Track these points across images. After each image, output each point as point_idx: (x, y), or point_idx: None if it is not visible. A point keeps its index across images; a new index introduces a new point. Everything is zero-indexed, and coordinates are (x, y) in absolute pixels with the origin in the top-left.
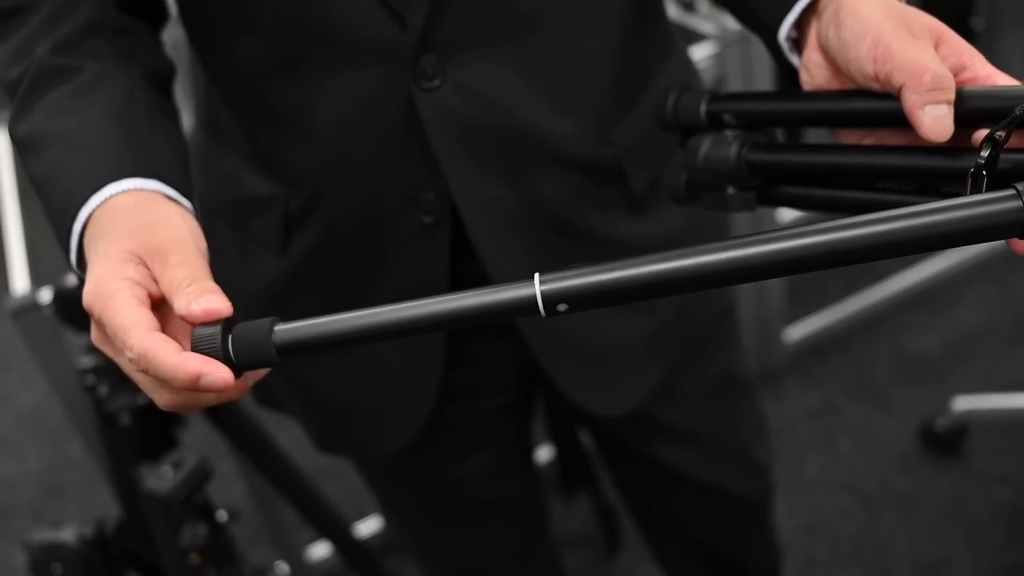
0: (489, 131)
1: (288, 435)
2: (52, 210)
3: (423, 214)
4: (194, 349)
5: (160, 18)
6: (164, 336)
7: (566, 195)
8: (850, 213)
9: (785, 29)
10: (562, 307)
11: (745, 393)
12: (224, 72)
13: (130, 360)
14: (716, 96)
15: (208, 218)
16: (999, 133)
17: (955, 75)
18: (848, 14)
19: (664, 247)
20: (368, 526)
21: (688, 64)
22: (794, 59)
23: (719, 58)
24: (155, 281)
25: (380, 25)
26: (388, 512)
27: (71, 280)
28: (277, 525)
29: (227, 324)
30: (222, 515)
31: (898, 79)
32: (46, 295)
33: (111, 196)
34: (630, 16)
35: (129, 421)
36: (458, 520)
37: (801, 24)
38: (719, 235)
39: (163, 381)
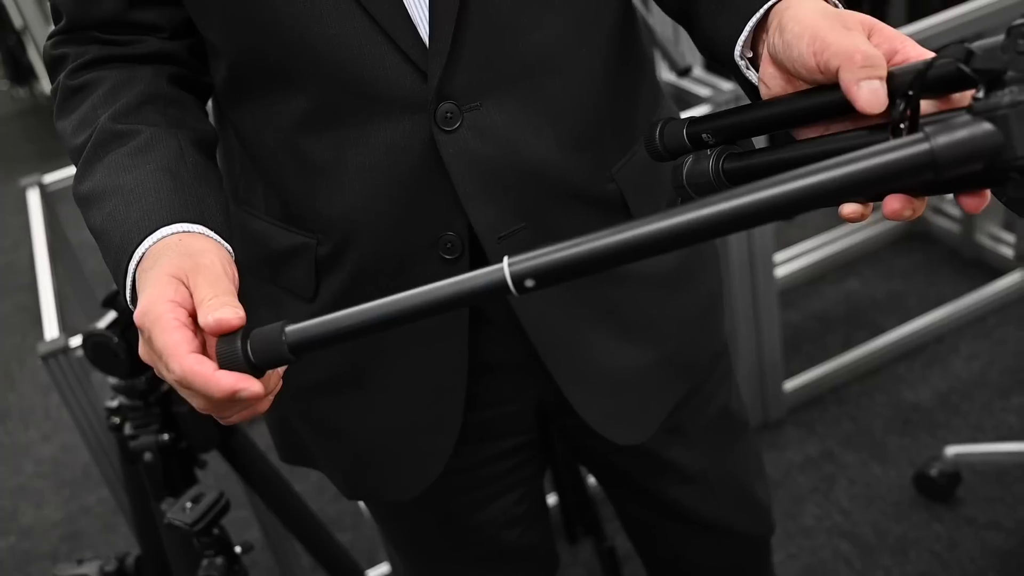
0: (505, 169)
1: (302, 485)
2: (110, 255)
3: (444, 252)
4: (220, 365)
5: (206, 92)
6: (200, 357)
7: (576, 226)
8: (817, 207)
9: (738, 47)
10: (529, 283)
11: (743, 432)
12: (264, 130)
13: (174, 379)
14: (694, 120)
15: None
16: (910, 90)
17: (889, 59)
18: (788, 20)
19: (667, 273)
20: (377, 572)
21: (675, 112)
22: (751, 75)
23: None
24: (191, 299)
25: (405, 79)
26: (406, 559)
27: (100, 325)
28: (289, 569)
29: (245, 333)
30: (238, 549)
31: (834, 63)
32: (75, 341)
33: (161, 238)
34: (624, 66)
35: (152, 459)
36: (481, 565)
37: (755, 44)
38: (711, 263)
39: (201, 396)
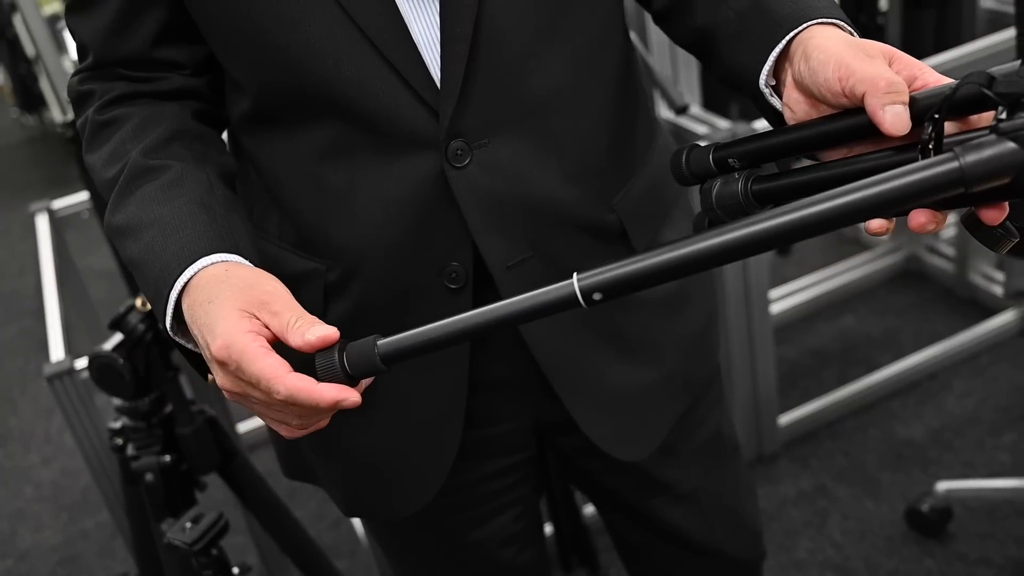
0: (513, 202)
1: (301, 512)
2: (149, 285)
3: (449, 281)
4: (320, 377)
5: (223, 125)
6: (300, 375)
7: (580, 255)
8: (845, 224)
9: (764, 76)
10: (597, 295)
11: (735, 456)
12: (280, 160)
13: (278, 400)
14: (719, 146)
15: None
16: (936, 113)
17: (909, 85)
18: (814, 48)
19: (668, 295)
20: None
21: (671, 145)
22: (775, 102)
23: None
24: (266, 327)
25: (418, 117)
26: None
27: (106, 346)
28: None
29: (340, 347)
30: (236, 570)
31: (860, 89)
32: (80, 363)
33: (202, 268)
34: (623, 102)
35: (153, 479)
36: None
37: (778, 73)
38: (707, 286)
39: (299, 410)
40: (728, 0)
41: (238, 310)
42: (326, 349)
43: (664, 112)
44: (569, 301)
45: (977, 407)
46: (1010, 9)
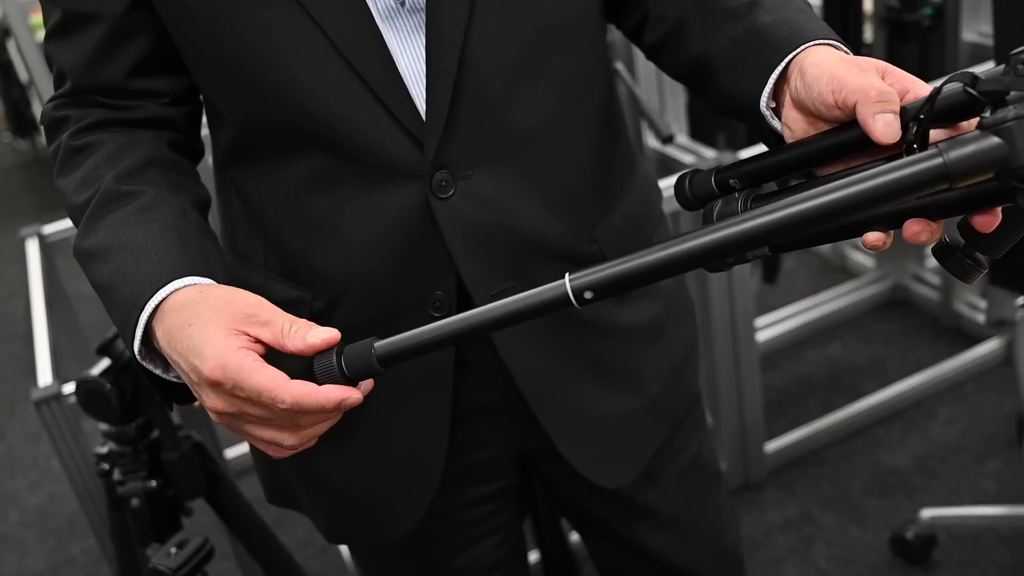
0: (496, 232)
1: (288, 539)
2: (117, 307)
3: (432, 309)
4: (319, 380)
5: (197, 156)
6: (301, 381)
7: None
8: (842, 235)
9: (764, 98)
10: (588, 295)
11: (716, 482)
12: (266, 190)
13: (282, 410)
14: (720, 169)
15: None
16: (921, 113)
17: (901, 97)
18: (809, 65)
19: (648, 324)
20: None
21: (651, 178)
22: (775, 123)
23: None
24: (257, 341)
25: (404, 150)
26: None
27: (94, 371)
28: None
29: (338, 351)
30: None
31: (851, 100)
32: (68, 388)
33: (174, 291)
34: (603, 137)
35: (139, 504)
36: None
37: (777, 95)
38: (688, 314)
39: (303, 418)
40: (723, 29)
41: (224, 328)
42: (326, 352)
43: (651, 142)
44: (561, 301)
45: (962, 435)
46: (991, 42)
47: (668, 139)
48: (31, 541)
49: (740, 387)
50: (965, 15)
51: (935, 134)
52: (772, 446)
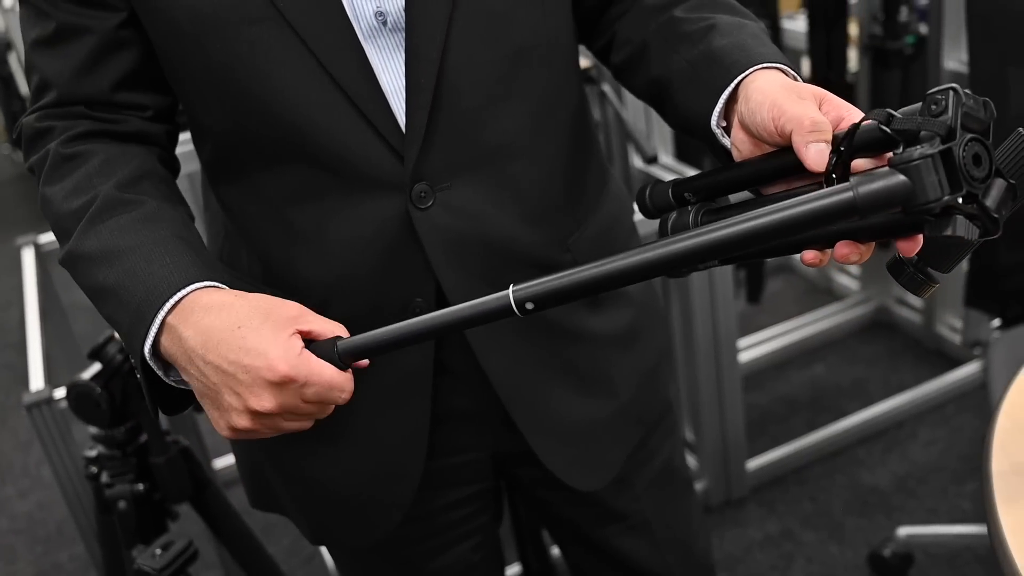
0: (473, 241)
1: (274, 548)
2: (126, 309)
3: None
4: None
5: (176, 174)
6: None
7: None
8: (784, 252)
9: (715, 117)
10: (529, 305)
11: (687, 489)
12: (249, 201)
13: (342, 399)
14: (678, 182)
15: None
16: (841, 146)
17: (835, 126)
18: (753, 91)
19: (620, 332)
20: None
21: (623, 192)
22: (725, 141)
23: None
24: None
25: (384, 161)
26: None
27: (85, 376)
28: None
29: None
30: None
31: (788, 127)
32: (59, 392)
33: (190, 292)
34: (574, 152)
35: (126, 507)
36: None
37: (728, 115)
38: (660, 322)
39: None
40: (680, 51)
41: (284, 331)
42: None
43: (637, 162)
44: (505, 310)
45: (941, 455)
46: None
47: (652, 159)
48: (20, 548)
49: (722, 405)
50: (947, 44)
51: (864, 163)
52: (754, 464)
